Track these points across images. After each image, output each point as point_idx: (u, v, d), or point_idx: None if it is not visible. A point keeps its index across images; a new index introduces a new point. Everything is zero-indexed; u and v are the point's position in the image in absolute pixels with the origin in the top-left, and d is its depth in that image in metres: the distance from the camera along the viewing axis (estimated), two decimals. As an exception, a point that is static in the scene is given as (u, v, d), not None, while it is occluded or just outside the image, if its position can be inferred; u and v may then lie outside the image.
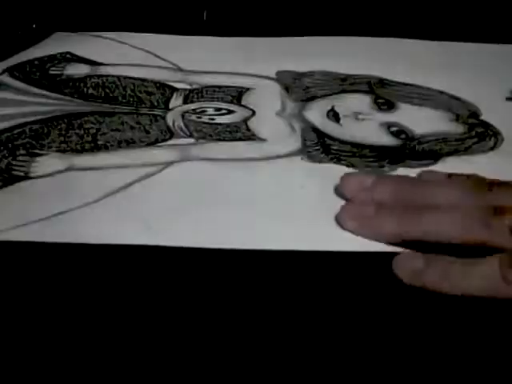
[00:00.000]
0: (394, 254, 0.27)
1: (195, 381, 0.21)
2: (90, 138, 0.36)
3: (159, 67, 0.47)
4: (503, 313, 0.24)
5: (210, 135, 0.37)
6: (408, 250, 0.28)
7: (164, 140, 0.36)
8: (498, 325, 0.24)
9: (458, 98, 0.42)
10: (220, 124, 0.39)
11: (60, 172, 0.33)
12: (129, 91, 0.43)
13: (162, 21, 0.54)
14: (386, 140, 0.37)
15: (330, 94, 0.44)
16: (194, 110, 0.41)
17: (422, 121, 0.39)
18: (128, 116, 0.39)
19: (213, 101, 0.42)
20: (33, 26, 0.49)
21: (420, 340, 0.23)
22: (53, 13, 0.51)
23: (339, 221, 0.29)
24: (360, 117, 0.41)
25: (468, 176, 0.30)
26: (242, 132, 0.38)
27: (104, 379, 0.21)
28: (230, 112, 0.40)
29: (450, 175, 0.31)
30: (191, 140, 0.37)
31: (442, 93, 0.43)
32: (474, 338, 0.23)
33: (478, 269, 0.26)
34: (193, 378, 0.21)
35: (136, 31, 0.52)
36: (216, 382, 0.21)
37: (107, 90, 0.43)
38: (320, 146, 0.37)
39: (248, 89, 0.44)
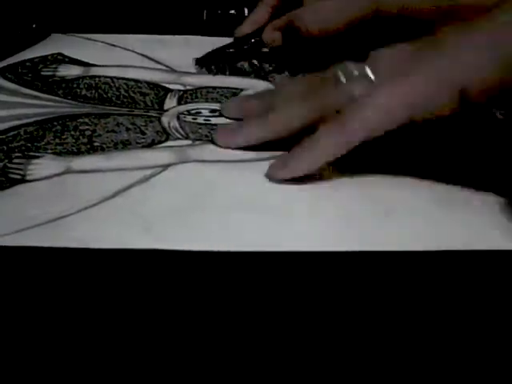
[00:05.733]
0: (393, 254, 0.27)
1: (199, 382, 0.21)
2: (85, 140, 0.36)
3: (152, 68, 0.47)
4: (503, 313, 0.25)
5: (207, 136, 0.37)
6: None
7: (160, 142, 0.36)
8: (498, 325, 0.24)
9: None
10: (216, 125, 0.39)
11: (57, 175, 0.32)
12: (123, 92, 0.42)
13: (161, 21, 0.54)
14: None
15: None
16: (188, 111, 0.40)
17: None
18: (123, 117, 0.39)
19: (207, 102, 0.42)
20: (33, 26, 0.49)
21: (420, 340, 0.23)
22: (52, 13, 0.51)
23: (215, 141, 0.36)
24: None
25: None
26: (237, 133, 0.38)
27: (104, 383, 0.21)
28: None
29: None
30: (188, 141, 0.36)
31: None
32: (474, 338, 0.23)
33: None
34: (195, 379, 0.21)
35: (136, 32, 0.52)
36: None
37: (100, 91, 0.42)
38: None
39: (242, 89, 0.44)
